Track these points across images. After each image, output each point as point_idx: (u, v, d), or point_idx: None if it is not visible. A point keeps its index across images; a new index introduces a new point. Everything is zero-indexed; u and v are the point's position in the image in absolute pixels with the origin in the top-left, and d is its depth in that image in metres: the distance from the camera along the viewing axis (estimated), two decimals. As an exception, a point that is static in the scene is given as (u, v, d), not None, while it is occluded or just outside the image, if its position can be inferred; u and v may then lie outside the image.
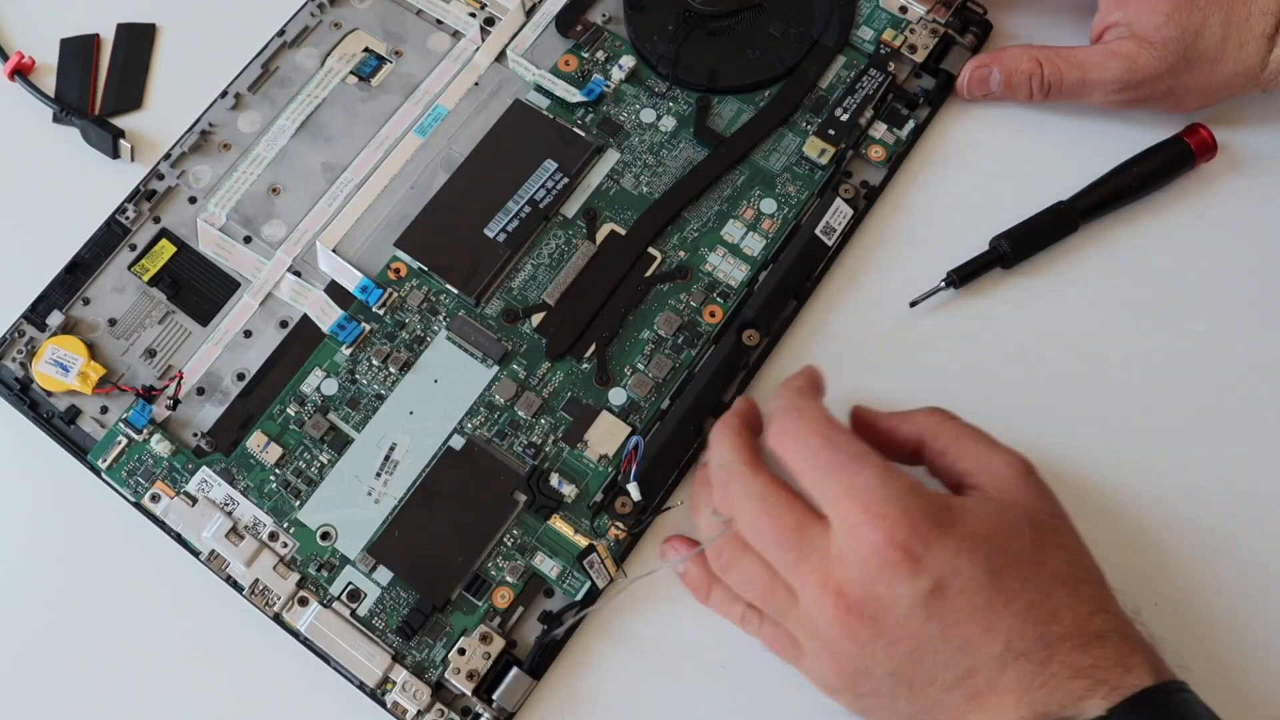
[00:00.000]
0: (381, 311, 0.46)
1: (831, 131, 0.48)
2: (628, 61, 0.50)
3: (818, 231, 0.46)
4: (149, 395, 0.45)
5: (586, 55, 0.51)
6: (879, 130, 0.48)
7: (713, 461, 0.40)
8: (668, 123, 0.49)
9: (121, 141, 0.50)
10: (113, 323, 0.47)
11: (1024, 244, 0.47)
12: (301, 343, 0.46)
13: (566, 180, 0.47)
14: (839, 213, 0.46)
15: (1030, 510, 0.37)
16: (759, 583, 0.38)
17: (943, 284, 0.46)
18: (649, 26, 0.50)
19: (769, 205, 0.47)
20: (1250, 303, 0.47)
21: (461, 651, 0.40)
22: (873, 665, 0.36)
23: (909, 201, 0.49)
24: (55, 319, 0.46)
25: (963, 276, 0.46)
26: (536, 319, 0.46)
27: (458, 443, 0.44)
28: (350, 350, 0.45)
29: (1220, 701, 0.34)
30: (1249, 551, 0.43)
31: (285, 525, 0.43)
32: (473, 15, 0.52)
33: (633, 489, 0.42)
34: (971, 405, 0.40)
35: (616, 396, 0.44)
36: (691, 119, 0.49)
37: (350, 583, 0.42)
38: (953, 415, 0.40)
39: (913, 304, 0.46)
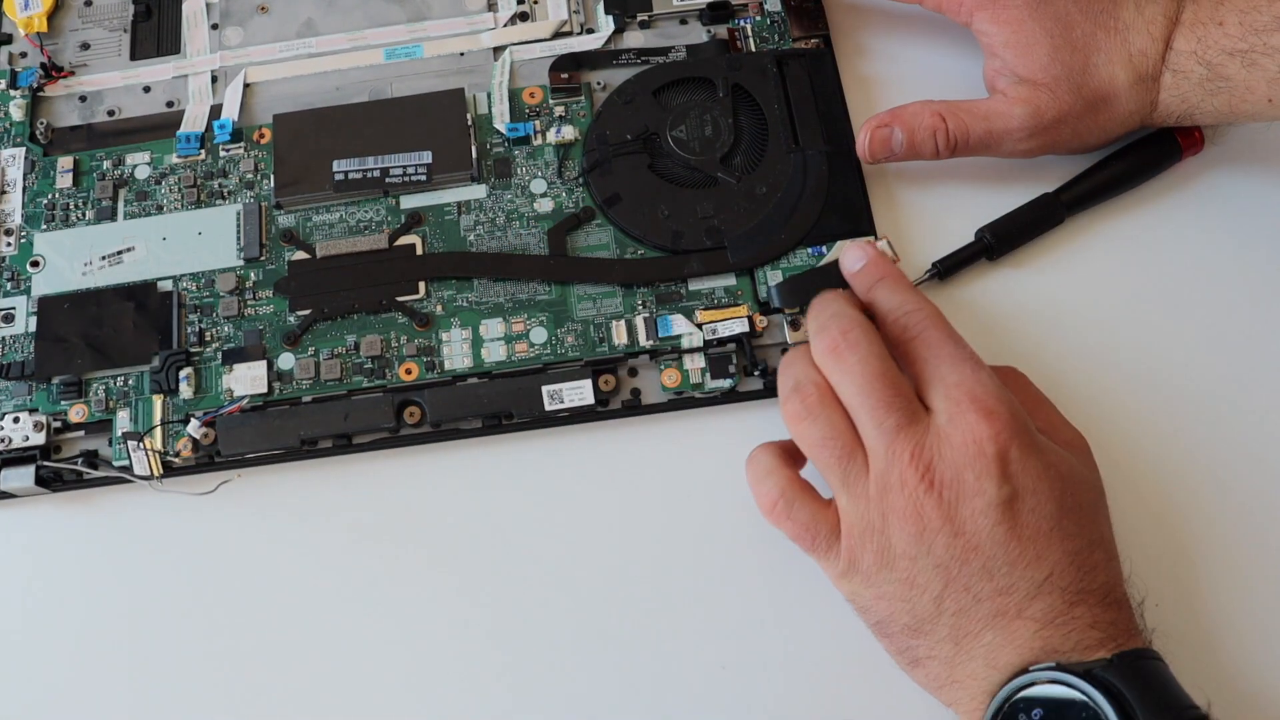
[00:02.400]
0: (219, 154, 0.49)
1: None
2: (570, 131, 0.48)
3: (546, 392, 0.44)
4: (50, 69, 0.51)
5: (552, 100, 0.49)
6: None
7: (825, 311, 0.40)
8: (545, 204, 0.47)
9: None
10: (89, 3, 0.53)
11: (1009, 236, 0.46)
12: (163, 127, 0.50)
13: (424, 179, 0.48)
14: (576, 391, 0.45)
15: (1093, 478, 0.39)
16: (840, 440, 0.38)
17: (928, 274, 0.46)
18: (617, 120, 0.48)
19: (539, 335, 0.45)
20: (1234, 295, 0.46)
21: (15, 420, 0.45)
22: (922, 552, 0.36)
23: (895, 193, 0.48)
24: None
25: (948, 267, 0.46)
26: (298, 255, 0.47)
27: (165, 286, 0.47)
28: (174, 159, 0.49)
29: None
30: (1241, 536, 0.42)
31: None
32: (520, 1, 0.51)
33: (193, 426, 0.44)
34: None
35: (286, 360, 0.46)
36: (562, 216, 0.47)
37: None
38: (1027, 379, 0.42)
39: None
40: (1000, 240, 0.46)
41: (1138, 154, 0.47)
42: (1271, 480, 0.43)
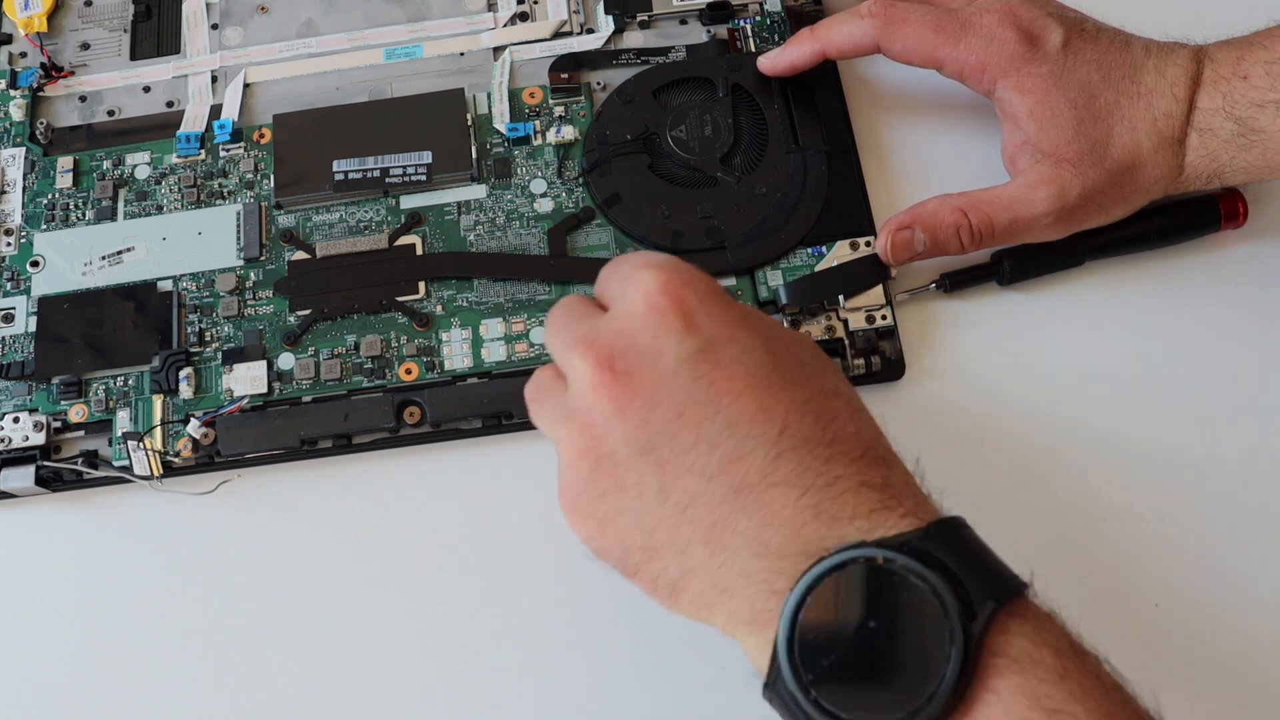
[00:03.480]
0: (219, 154, 0.48)
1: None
2: (569, 131, 0.48)
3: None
4: (50, 69, 0.51)
5: (552, 100, 0.49)
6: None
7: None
8: (545, 204, 0.47)
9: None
10: (89, 3, 0.52)
11: (1025, 265, 0.45)
12: (163, 127, 0.49)
13: (424, 179, 0.47)
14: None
15: (815, 347, 0.34)
16: (544, 379, 0.34)
17: (933, 285, 0.45)
18: (617, 120, 0.48)
19: (539, 335, 0.45)
20: (1242, 371, 0.44)
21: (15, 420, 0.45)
22: (620, 442, 0.31)
23: (895, 194, 0.47)
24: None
25: (956, 282, 0.45)
26: (298, 255, 0.47)
27: (165, 286, 0.47)
28: (174, 159, 0.49)
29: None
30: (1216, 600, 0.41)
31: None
32: (520, 1, 0.51)
33: (193, 426, 0.43)
34: (936, 401, 0.43)
35: (286, 360, 0.45)
36: (562, 216, 0.47)
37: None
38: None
39: (899, 295, 0.45)
40: (1016, 269, 0.45)
41: (1174, 215, 0.45)
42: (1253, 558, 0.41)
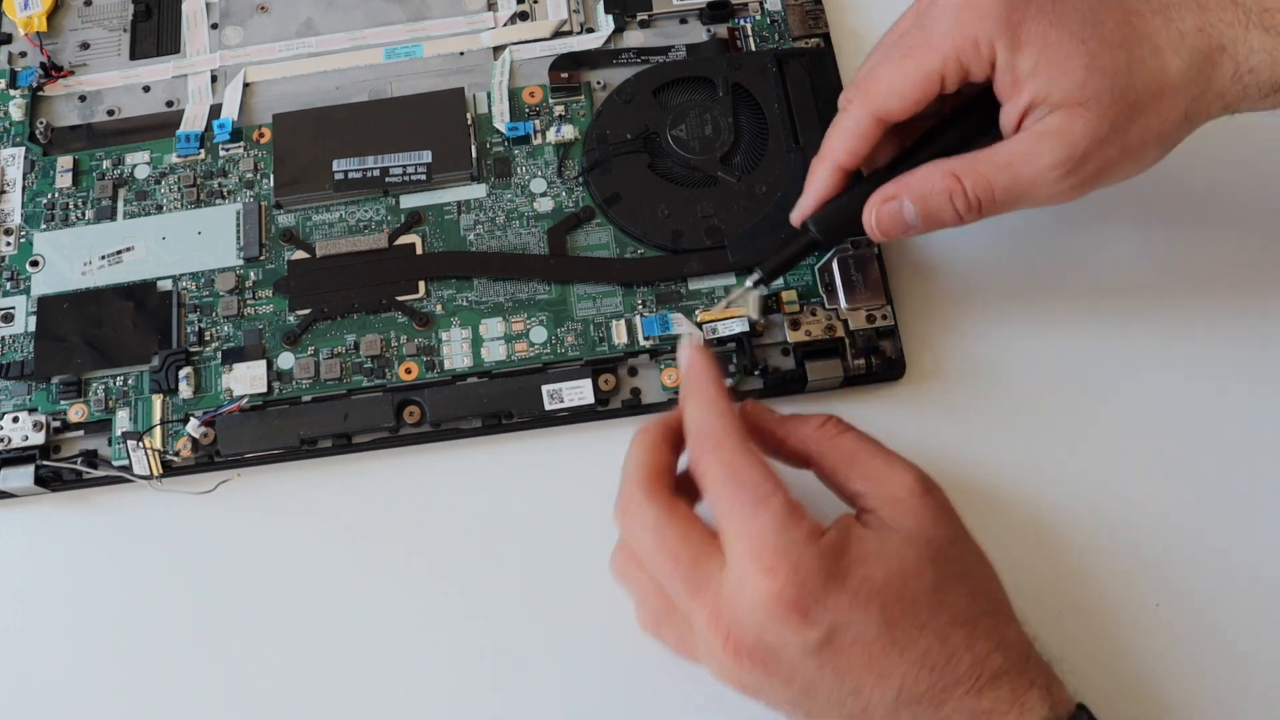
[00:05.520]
0: (219, 154, 0.48)
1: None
2: (569, 131, 0.48)
3: (546, 391, 0.44)
4: (50, 69, 0.50)
5: (552, 99, 0.49)
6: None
7: (622, 472, 0.37)
8: (545, 204, 0.47)
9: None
10: (89, 3, 0.52)
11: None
12: (163, 127, 0.49)
13: (424, 179, 0.47)
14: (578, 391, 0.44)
15: (931, 542, 0.34)
16: (654, 603, 0.36)
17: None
18: (617, 119, 0.48)
19: (539, 335, 0.45)
20: (1238, 384, 0.44)
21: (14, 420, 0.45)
22: (764, 693, 0.35)
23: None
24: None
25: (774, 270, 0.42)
26: (298, 254, 0.47)
27: (164, 286, 0.47)
28: (173, 159, 0.48)
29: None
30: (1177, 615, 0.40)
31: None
32: (520, 1, 0.51)
33: (193, 426, 0.43)
34: (936, 401, 0.43)
35: (286, 360, 0.45)
36: (562, 216, 0.47)
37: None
38: (845, 426, 0.37)
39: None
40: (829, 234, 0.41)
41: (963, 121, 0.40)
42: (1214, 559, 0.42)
